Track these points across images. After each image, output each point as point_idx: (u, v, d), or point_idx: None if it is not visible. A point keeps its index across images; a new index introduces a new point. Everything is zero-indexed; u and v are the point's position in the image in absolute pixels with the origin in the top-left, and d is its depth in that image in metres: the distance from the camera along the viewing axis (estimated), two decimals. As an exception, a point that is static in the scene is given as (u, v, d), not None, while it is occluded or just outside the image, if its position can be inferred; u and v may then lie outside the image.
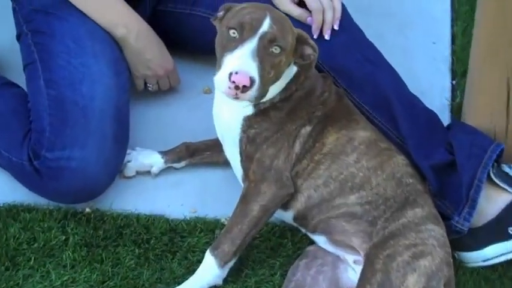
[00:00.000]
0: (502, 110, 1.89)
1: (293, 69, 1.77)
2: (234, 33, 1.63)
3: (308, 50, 1.76)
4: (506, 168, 1.88)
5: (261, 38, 1.62)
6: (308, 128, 1.81)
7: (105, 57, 1.97)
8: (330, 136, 1.81)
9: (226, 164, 1.97)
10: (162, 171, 2.07)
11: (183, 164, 2.06)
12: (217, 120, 1.89)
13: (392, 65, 2.05)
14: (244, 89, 1.57)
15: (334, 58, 1.95)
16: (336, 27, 1.99)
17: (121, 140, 1.97)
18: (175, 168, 2.07)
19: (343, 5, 2.01)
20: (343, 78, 1.98)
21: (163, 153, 2.05)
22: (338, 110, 1.86)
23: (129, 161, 2.03)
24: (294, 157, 1.80)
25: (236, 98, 1.61)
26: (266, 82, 1.64)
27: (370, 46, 2.07)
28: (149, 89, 2.18)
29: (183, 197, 2.04)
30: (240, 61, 1.59)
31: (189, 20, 2.22)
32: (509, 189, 1.82)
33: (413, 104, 1.99)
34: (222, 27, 1.68)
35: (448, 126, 2.01)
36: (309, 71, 1.80)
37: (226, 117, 1.83)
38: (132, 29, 2.03)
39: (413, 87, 2.04)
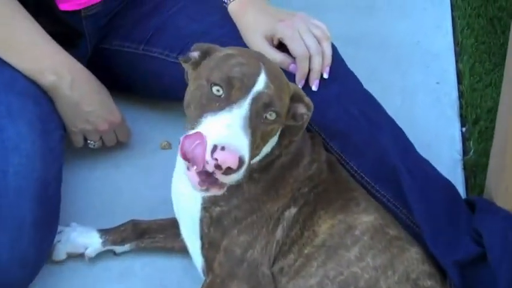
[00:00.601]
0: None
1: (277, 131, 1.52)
2: (218, 90, 1.37)
3: (301, 109, 1.52)
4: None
5: (255, 101, 1.37)
6: (293, 210, 1.54)
7: (26, 115, 1.65)
8: (323, 223, 1.54)
9: (183, 251, 1.69)
10: (104, 258, 1.74)
11: (127, 247, 1.75)
12: (174, 190, 1.63)
13: (388, 110, 1.80)
14: (229, 171, 1.29)
15: (324, 115, 1.68)
16: (325, 76, 1.72)
17: (46, 224, 1.62)
18: (118, 254, 1.76)
19: (334, 49, 1.77)
20: (336, 140, 1.71)
21: (104, 232, 1.74)
22: (331, 185, 1.60)
23: (58, 241, 1.71)
24: (275, 247, 1.52)
25: (206, 190, 1.37)
26: (252, 157, 1.39)
27: (369, 99, 1.80)
28: (90, 146, 1.90)
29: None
30: (229, 132, 1.32)
31: (143, 62, 1.97)
32: None
33: (426, 174, 1.71)
34: (200, 78, 1.42)
35: (469, 202, 1.74)
36: (298, 135, 1.55)
37: (183, 188, 1.54)
38: (64, 75, 1.74)
39: (415, 139, 1.78)
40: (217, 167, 1.27)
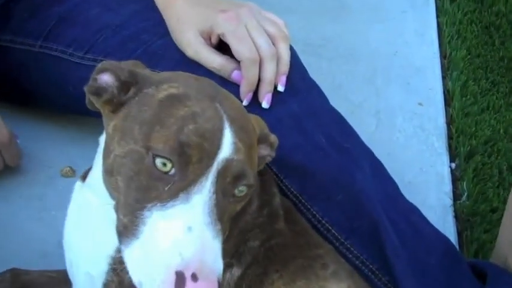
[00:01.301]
0: None
1: None
2: (165, 164, 1.09)
3: (264, 150, 1.30)
4: None
5: (221, 176, 1.11)
6: (236, 272, 1.31)
7: None
8: None
9: None
10: None
11: None
12: (70, 237, 1.39)
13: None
14: None
15: (279, 144, 1.39)
16: (280, 89, 1.50)
17: None
18: None
19: (293, 52, 1.57)
20: (295, 178, 1.49)
21: None
22: (288, 239, 1.38)
23: None
24: None
25: None
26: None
27: (339, 121, 1.61)
28: None
29: None
30: (195, 244, 1.06)
31: (40, 63, 1.77)
32: None
33: (416, 228, 1.54)
34: (131, 137, 1.13)
35: (473, 266, 1.59)
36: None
37: (89, 237, 1.31)
38: None
39: (392, 176, 1.64)
40: None
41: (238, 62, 1.48)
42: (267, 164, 1.42)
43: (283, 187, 1.47)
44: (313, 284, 1.29)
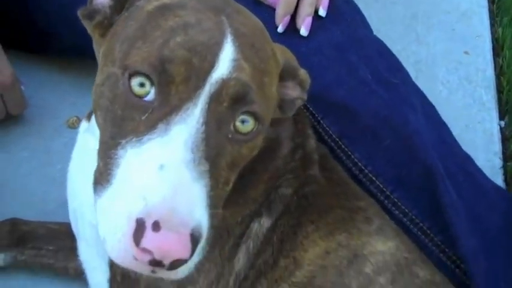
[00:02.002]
0: None
1: None
2: (142, 84, 0.93)
3: (293, 91, 1.15)
4: None
5: (214, 99, 0.94)
6: (265, 222, 1.20)
7: None
8: (311, 246, 1.20)
9: (80, 276, 1.43)
10: None
11: (1, 258, 1.47)
12: (73, 185, 1.33)
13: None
14: (177, 263, 0.88)
15: (317, 76, 1.27)
16: (322, 13, 1.41)
17: None
18: None
19: None
20: (335, 118, 1.38)
21: None
22: (325, 187, 1.27)
23: None
24: (233, 283, 1.20)
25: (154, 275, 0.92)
26: (219, 207, 0.99)
27: (385, 53, 1.51)
28: None
29: None
30: (165, 185, 0.88)
31: None
32: None
33: (474, 180, 1.43)
34: (111, 59, 1.00)
35: None
36: (280, 125, 1.24)
37: (91, 189, 1.10)
38: None
39: None
40: (156, 263, 0.88)
41: None
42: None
43: (321, 130, 1.39)
44: (356, 239, 1.22)
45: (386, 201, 1.37)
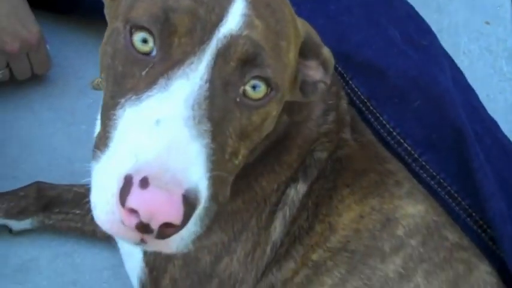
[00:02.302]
0: None
1: None
2: (144, 40, 0.89)
3: (316, 72, 1.09)
4: None
5: (220, 57, 0.88)
6: (301, 187, 1.18)
7: None
8: (346, 211, 1.19)
9: (108, 239, 1.46)
10: None
11: (28, 223, 1.47)
12: None
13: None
14: (168, 231, 0.82)
15: (344, 37, 1.33)
16: None
17: None
18: (14, 233, 1.51)
19: None
20: (363, 78, 1.36)
21: None
22: (357, 151, 1.26)
23: None
24: (269, 252, 1.18)
25: (143, 245, 0.86)
26: (226, 180, 0.93)
27: (413, 14, 1.49)
28: None
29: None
30: (158, 141, 0.83)
31: None
32: None
33: (503, 144, 1.41)
34: (116, 17, 0.96)
35: None
36: (304, 110, 1.20)
37: None
38: None
39: None
40: (143, 228, 0.81)
41: None
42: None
43: (349, 90, 1.35)
44: (388, 203, 1.22)
45: (414, 164, 1.37)
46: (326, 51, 1.09)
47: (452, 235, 1.24)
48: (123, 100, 0.87)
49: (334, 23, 1.27)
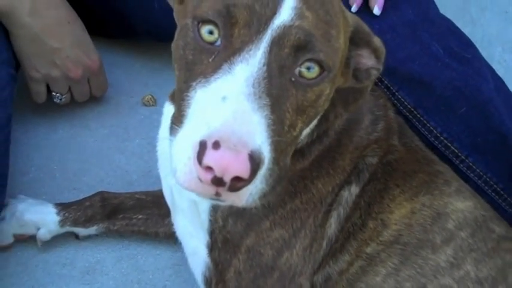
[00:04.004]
0: None
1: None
2: (211, 32, 1.02)
3: (368, 60, 1.18)
4: None
5: (276, 44, 1.00)
6: (354, 189, 1.29)
7: None
8: (397, 208, 1.28)
9: (169, 238, 1.58)
10: (66, 247, 1.61)
11: (94, 230, 1.59)
12: (166, 162, 1.40)
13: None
14: (238, 184, 0.95)
15: (392, 53, 1.31)
16: None
17: None
18: (81, 238, 1.61)
19: None
20: (410, 89, 1.44)
21: (62, 207, 1.59)
22: (405, 154, 1.35)
23: (2, 219, 1.56)
24: (325, 247, 1.29)
25: (219, 200, 0.99)
26: (286, 149, 1.06)
27: (456, 31, 1.54)
28: (56, 101, 1.75)
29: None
30: (225, 112, 0.96)
31: None
32: None
33: None
34: (185, 15, 1.10)
35: None
36: (359, 99, 1.26)
37: None
38: None
39: None
40: (218, 181, 0.94)
41: None
42: (379, 77, 1.38)
43: (396, 101, 1.44)
44: (438, 200, 1.28)
45: (461, 165, 1.44)
46: (376, 40, 1.18)
47: (499, 228, 1.31)
48: (194, 83, 0.99)
49: None
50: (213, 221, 1.30)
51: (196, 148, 0.92)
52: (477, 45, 1.99)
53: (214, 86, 0.97)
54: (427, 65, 1.45)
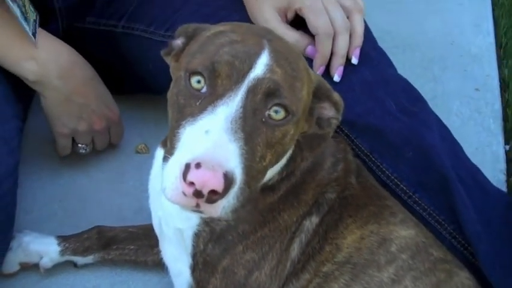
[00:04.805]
0: None
1: None
2: (199, 82, 1.19)
3: (328, 111, 1.35)
4: None
5: (251, 92, 1.16)
6: (314, 219, 1.42)
7: None
8: (350, 234, 1.41)
9: (157, 266, 1.68)
10: (66, 273, 1.70)
11: (90, 259, 1.70)
12: (157, 198, 1.49)
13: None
14: (214, 197, 1.10)
15: (350, 107, 1.46)
16: (354, 61, 1.57)
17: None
18: (79, 267, 1.71)
19: (366, 26, 1.62)
20: (366, 137, 1.57)
21: (63, 239, 1.69)
22: (360, 191, 1.47)
23: (9, 249, 1.64)
24: (289, 268, 1.41)
25: (198, 211, 1.14)
26: (256, 176, 1.20)
27: (408, 89, 1.65)
28: (82, 151, 1.85)
29: (95, 317, 1.66)
30: (206, 142, 1.12)
31: (122, 42, 1.86)
32: None
33: (481, 185, 1.60)
34: (179, 70, 1.26)
35: None
36: (321, 144, 1.43)
37: None
38: (48, 61, 1.64)
39: None
40: (197, 194, 1.09)
41: (311, 37, 1.54)
42: (338, 126, 1.49)
43: (354, 146, 1.57)
44: (384, 228, 1.42)
45: (409, 200, 1.55)
46: (336, 95, 1.33)
47: (437, 252, 1.43)
48: (184, 122, 1.15)
49: None
50: (195, 246, 1.41)
51: (182, 169, 1.08)
52: (437, 99, 2.12)
53: (200, 123, 1.13)
54: (380, 118, 1.57)
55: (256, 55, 1.18)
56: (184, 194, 1.10)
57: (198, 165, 1.07)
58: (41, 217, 1.79)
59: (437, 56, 2.34)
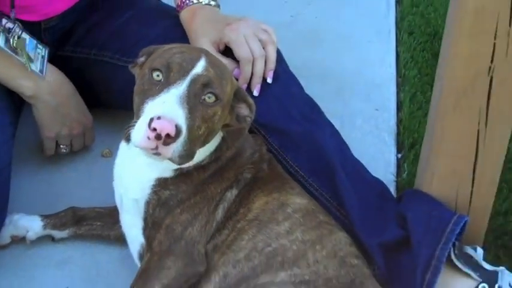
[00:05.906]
0: (466, 174, 1.77)
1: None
2: (158, 75, 1.53)
3: (244, 111, 1.66)
4: (469, 250, 1.72)
5: (193, 82, 1.51)
6: (234, 192, 1.70)
7: None
8: (258, 200, 1.70)
9: (118, 240, 1.92)
10: (46, 246, 1.94)
11: (65, 233, 1.94)
12: (120, 178, 1.77)
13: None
14: (168, 140, 1.43)
15: (263, 115, 1.80)
16: (269, 81, 1.87)
17: None
18: (56, 240, 1.95)
19: (279, 53, 1.91)
20: (275, 136, 1.87)
21: (45, 217, 1.93)
22: (270, 173, 1.77)
23: (3, 225, 1.86)
24: (214, 226, 1.68)
25: (156, 153, 1.47)
26: (195, 139, 1.52)
27: (309, 103, 1.95)
28: (63, 151, 2.10)
29: (69, 279, 1.90)
30: (164, 106, 1.47)
31: (93, 67, 2.13)
32: (473, 274, 1.69)
33: (358, 170, 1.89)
34: (143, 70, 1.59)
35: (400, 197, 1.92)
36: (241, 135, 1.71)
37: (135, 174, 1.71)
38: (41, 80, 1.93)
39: None
40: (158, 137, 1.42)
41: (237, 62, 1.84)
42: (256, 128, 1.83)
43: (267, 143, 1.86)
44: (283, 196, 1.72)
45: (305, 183, 1.85)
46: (250, 99, 1.65)
47: (323, 217, 1.71)
48: (147, 100, 1.51)
49: (255, 107, 1.69)
50: (146, 211, 1.66)
51: (148, 121, 1.43)
52: (345, 117, 2.42)
53: (158, 98, 1.49)
54: (287, 123, 1.86)
55: (197, 60, 1.54)
56: (148, 138, 1.43)
57: (159, 118, 1.43)
58: (27, 208, 2.00)
59: (347, 84, 2.56)
